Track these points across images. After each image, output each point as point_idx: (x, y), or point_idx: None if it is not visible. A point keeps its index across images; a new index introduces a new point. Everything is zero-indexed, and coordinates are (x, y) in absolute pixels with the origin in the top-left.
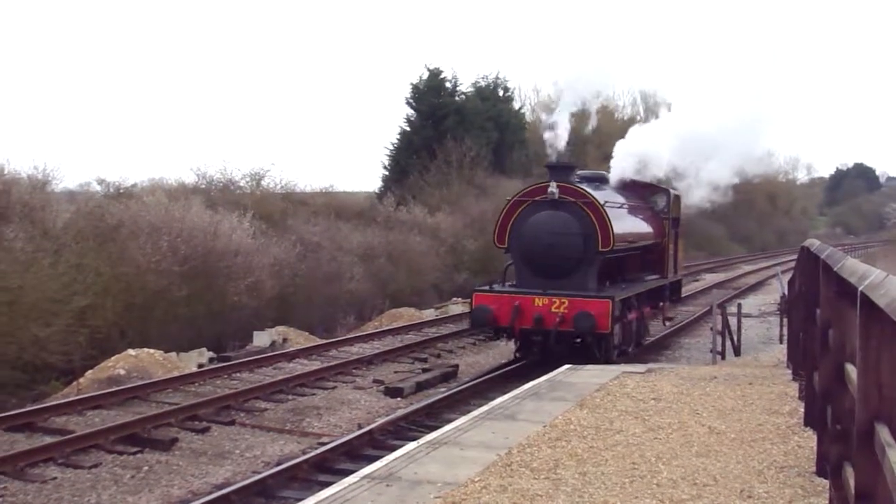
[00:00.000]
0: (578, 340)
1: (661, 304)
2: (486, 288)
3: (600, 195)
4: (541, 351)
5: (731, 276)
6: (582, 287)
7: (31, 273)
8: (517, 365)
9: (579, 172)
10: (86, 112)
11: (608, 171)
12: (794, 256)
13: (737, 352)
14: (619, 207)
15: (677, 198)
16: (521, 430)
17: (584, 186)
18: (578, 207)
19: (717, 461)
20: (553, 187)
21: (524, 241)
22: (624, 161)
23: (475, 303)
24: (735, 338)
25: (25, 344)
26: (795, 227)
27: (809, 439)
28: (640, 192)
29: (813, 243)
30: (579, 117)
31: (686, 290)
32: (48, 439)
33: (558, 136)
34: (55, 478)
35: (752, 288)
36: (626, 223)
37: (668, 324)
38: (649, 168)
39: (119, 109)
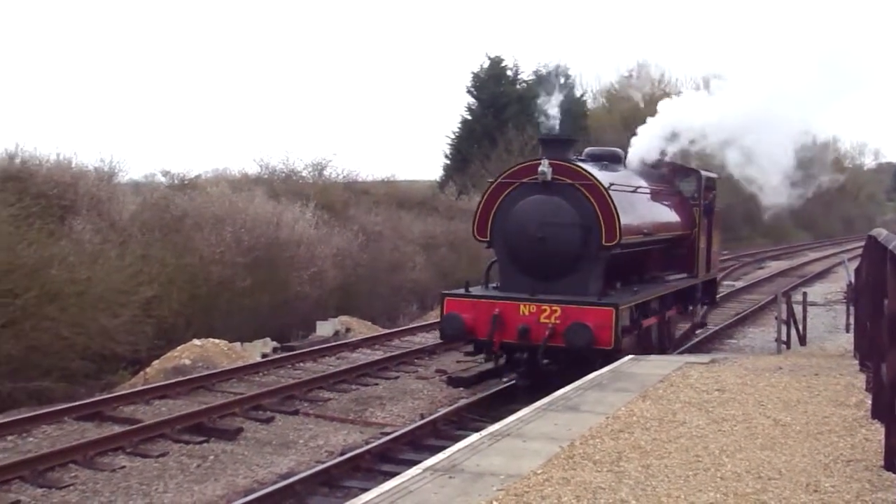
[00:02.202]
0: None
1: (691, 308)
2: (461, 292)
3: (606, 176)
4: (527, 372)
5: (797, 264)
6: (581, 291)
7: (98, 264)
8: (501, 388)
9: (588, 150)
10: (151, 104)
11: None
12: (861, 243)
13: (802, 341)
14: (633, 192)
15: (711, 181)
16: (584, 422)
17: (587, 166)
18: (576, 191)
19: (782, 454)
20: (545, 166)
21: (509, 233)
22: (648, 137)
23: (445, 310)
24: (800, 327)
25: (94, 334)
26: (862, 214)
27: (877, 432)
28: (665, 175)
29: (880, 233)
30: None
31: (750, 277)
32: (117, 428)
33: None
34: (124, 466)
35: (818, 276)
36: (642, 211)
37: (698, 332)
38: (684, 142)
39: (184, 101)
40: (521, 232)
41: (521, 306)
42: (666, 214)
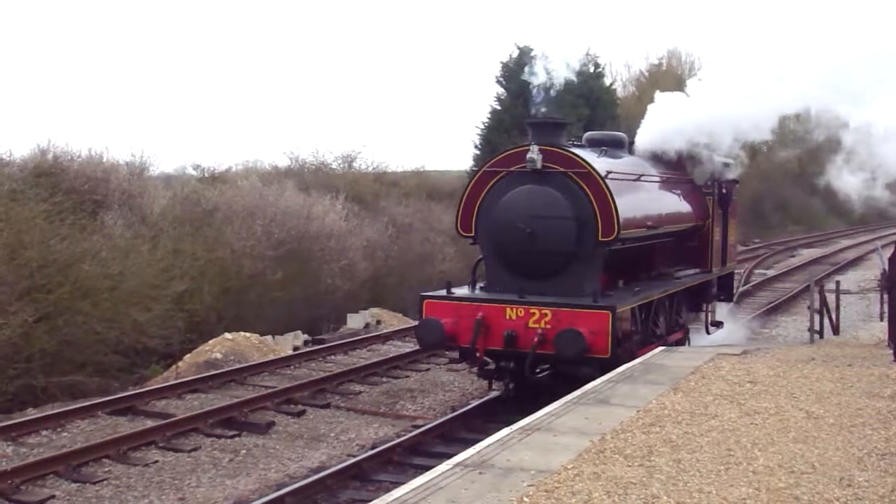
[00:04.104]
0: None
1: (705, 305)
2: (441, 293)
3: (605, 163)
4: (514, 384)
5: (830, 252)
6: (574, 291)
7: (130, 259)
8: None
9: (587, 134)
10: (181, 98)
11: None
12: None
13: (835, 330)
14: (635, 180)
15: (725, 167)
16: (615, 416)
17: (582, 152)
18: (570, 180)
19: (815, 447)
20: (534, 152)
21: (495, 227)
22: (661, 119)
23: (424, 314)
24: (833, 316)
25: (126, 328)
26: None
27: None
28: (675, 162)
29: None
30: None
31: (782, 265)
32: (149, 423)
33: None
34: (157, 461)
35: (852, 263)
36: (645, 202)
37: (713, 330)
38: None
39: (214, 94)
40: (508, 226)
41: (508, 309)
42: (674, 204)
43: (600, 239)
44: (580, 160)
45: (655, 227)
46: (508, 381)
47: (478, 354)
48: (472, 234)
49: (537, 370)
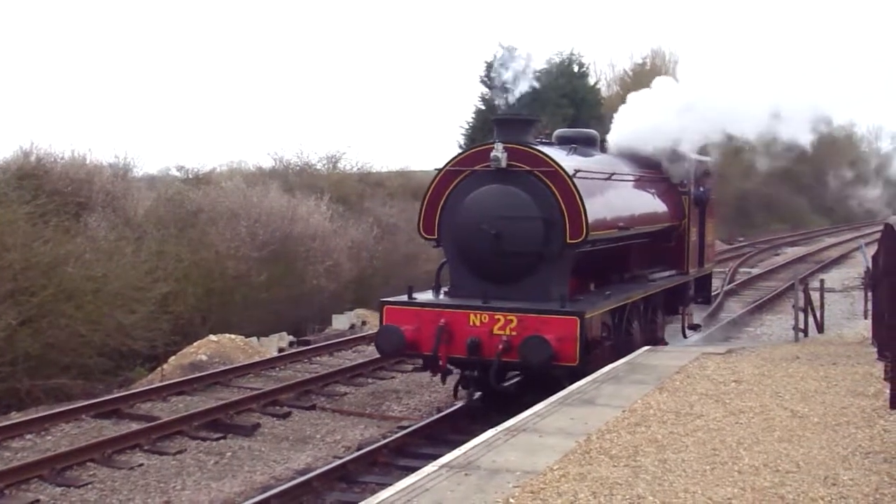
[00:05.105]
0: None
1: (682, 308)
2: (402, 299)
3: (573, 162)
4: (482, 393)
5: (814, 250)
6: (541, 296)
7: (114, 261)
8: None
9: (557, 132)
10: (165, 99)
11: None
12: (879, 228)
13: (820, 328)
14: (606, 179)
15: (702, 165)
16: (600, 416)
17: (550, 150)
18: (536, 180)
19: (799, 447)
20: (498, 150)
21: (459, 229)
22: (634, 116)
23: (384, 320)
24: (818, 314)
25: (111, 331)
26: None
27: None
28: (649, 160)
29: None
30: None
31: (767, 264)
32: (134, 426)
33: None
34: (142, 464)
35: (836, 261)
36: (617, 202)
37: (689, 333)
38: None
39: (197, 95)
40: (472, 228)
41: (471, 316)
42: (648, 204)
43: (568, 241)
44: (547, 158)
45: (628, 228)
46: (472, 390)
47: (440, 363)
48: (435, 237)
49: (504, 379)
